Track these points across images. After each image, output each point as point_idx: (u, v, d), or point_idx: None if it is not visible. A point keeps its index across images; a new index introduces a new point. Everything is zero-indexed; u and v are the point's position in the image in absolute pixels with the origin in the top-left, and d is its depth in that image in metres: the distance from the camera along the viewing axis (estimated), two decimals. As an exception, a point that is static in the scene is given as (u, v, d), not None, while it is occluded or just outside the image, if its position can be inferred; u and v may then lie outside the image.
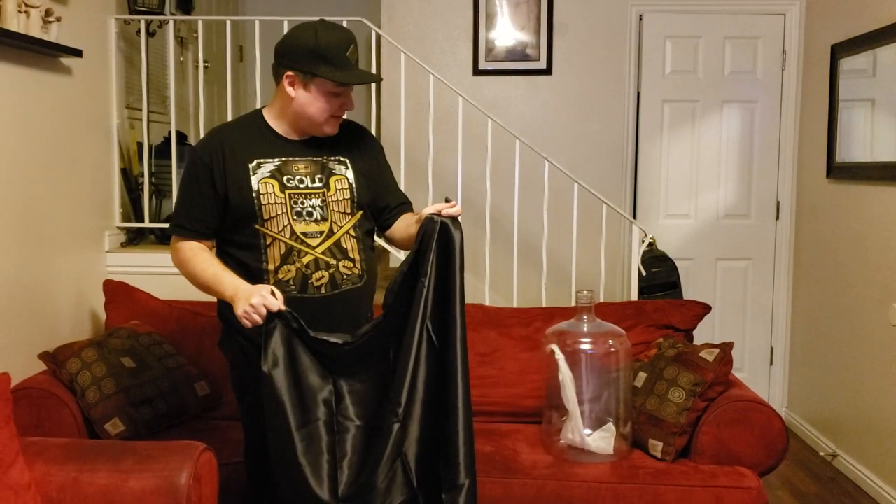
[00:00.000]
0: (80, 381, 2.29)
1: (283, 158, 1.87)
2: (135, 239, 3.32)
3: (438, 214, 1.80)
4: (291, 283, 1.83)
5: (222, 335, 1.97)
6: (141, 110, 3.27)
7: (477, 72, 3.93)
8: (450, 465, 1.72)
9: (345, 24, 3.09)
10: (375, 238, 2.15)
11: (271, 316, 1.68)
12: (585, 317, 2.40)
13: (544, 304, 3.24)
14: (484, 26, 3.92)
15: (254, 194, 1.83)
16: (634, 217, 3.88)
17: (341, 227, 1.88)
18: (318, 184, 1.87)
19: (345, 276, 1.87)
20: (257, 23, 3.23)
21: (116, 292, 2.76)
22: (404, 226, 1.98)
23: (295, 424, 1.69)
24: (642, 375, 2.42)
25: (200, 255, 1.85)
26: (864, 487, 3.12)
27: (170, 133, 3.30)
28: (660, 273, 3.50)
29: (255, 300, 1.68)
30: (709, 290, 3.94)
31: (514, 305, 3.29)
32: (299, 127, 1.89)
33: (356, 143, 1.98)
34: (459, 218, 1.82)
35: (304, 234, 1.84)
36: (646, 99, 3.93)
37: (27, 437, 1.90)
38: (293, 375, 1.71)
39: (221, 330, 1.96)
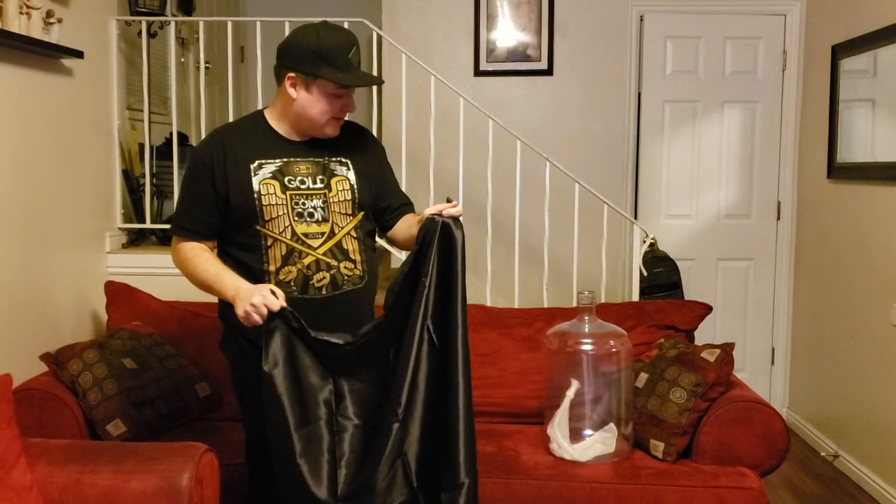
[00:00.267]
0: (81, 383, 2.29)
1: (285, 159, 1.87)
2: (136, 240, 3.32)
3: (440, 215, 1.80)
4: (292, 283, 1.83)
5: (223, 336, 1.97)
6: (142, 111, 3.28)
7: (478, 72, 3.93)
8: (450, 465, 1.72)
9: (346, 25, 3.10)
10: (377, 239, 2.15)
11: (272, 315, 1.69)
12: (587, 317, 2.40)
13: (545, 305, 3.24)
14: (485, 27, 3.92)
15: (255, 195, 1.83)
16: (635, 217, 3.88)
17: (342, 228, 1.88)
18: (319, 185, 1.87)
19: (346, 277, 1.87)
20: (258, 24, 3.23)
21: (118, 293, 2.77)
22: (406, 226, 1.97)
23: (294, 424, 1.69)
24: (643, 376, 2.42)
25: (201, 255, 1.85)
26: (865, 488, 3.12)
27: (171, 134, 3.30)
28: (661, 273, 3.50)
29: (256, 299, 1.68)
30: (710, 291, 3.94)
31: (516, 306, 3.29)
32: (300, 128, 1.89)
33: (357, 144, 1.98)
34: (461, 218, 1.82)
35: (306, 235, 1.84)
36: (646, 99, 3.93)
37: (29, 438, 1.90)
38: (293, 375, 1.71)
39: (222, 331, 1.97)
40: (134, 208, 3.30)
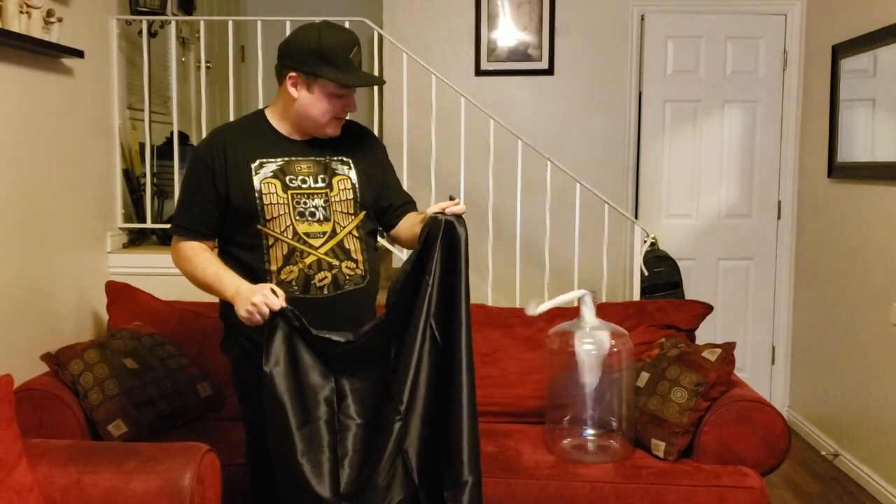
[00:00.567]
0: (82, 383, 2.29)
1: (286, 158, 1.87)
2: (137, 240, 3.32)
3: (443, 213, 1.80)
4: (294, 283, 1.83)
5: (224, 336, 1.97)
6: (143, 111, 3.27)
7: (479, 72, 3.93)
8: (452, 463, 1.72)
9: (347, 24, 3.09)
10: (378, 239, 2.15)
11: (273, 315, 1.68)
12: (588, 317, 2.39)
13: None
14: (486, 26, 3.92)
15: (256, 194, 1.83)
16: (636, 217, 3.88)
17: (344, 227, 1.88)
18: (320, 184, 1.87)
19: (347, 277, 1.87)
20: (259, 23, 3.23)
21: (118, 293, 2.76)
22: (409, 225, 1.97)
23: (296, 423, 1.69)
24: (645, 375, 2.42)
25: (201, 254, 1.85)
26: (865, 487, 3.12)
27: (172, 133, 3.30)
28: (661, 273, 3.50)
29: (257, 299, 1.68)
30: (710, 290, 3.94)
31: (517, 305, 3.28)
32: (302, 127, 1.89)
33: (359, 143, 1.98)
34: (463, 216, 1.82)
35: (307, 234, 1.84)
36: (647, 99, 3.92)
37: (30, 438, 1.90)
38: (295, 374, 1.71)
39: (223, 331, 1.97)
40: (135, 208, 3.30)
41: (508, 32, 3.92)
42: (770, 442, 2.22)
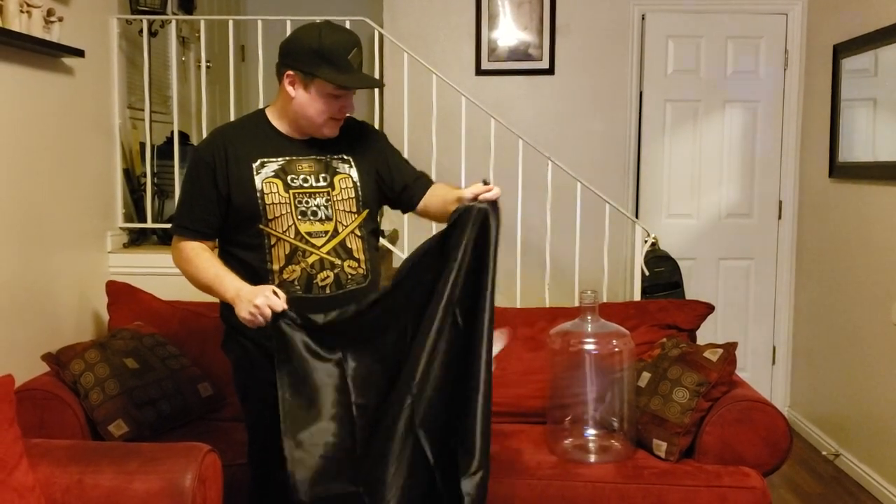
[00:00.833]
0: (83, 383, 2.29)
1: (287, 158, 1.87)
2: (137, 239, 3.31)
3: (476, 199, 1.78)
4: (296, 283, 1.83)
5: (225, 337, 1.96)
6: (143, 110, 3.27)
7: (479, 72, 3.93)
8: (466, 450, 1.71)
9: (347, 24, 3.09)
10: (381, 240, 2.14)
11: (276, 316, 1.68)
12: (589, 317, 2.39)
13: (547, 305, 3.24)
14: (486, 26, 3.91)
15: (258, 194, 1.82)
16: (637, 216, 3.88)
17: (346, 226, 1.88)
18: (322, 183, 1.87)
19: (349, 276, 1.87)
20: (259, 22, 3.23)
21: (119, 293, 2.76)
22: (441, 202, 1.92)
23: (306, 421, 1.68)
24: (646, 375, 2.42)
25: (202, 255, 1.84)
26: (867, 487, 3.12)
27: (172, 133, 3.29)
28: (662, 273, 3.50)
29: (259, 301, 1.67)
30: (711, 290, 3.94)
31: (518, 305, 3.28)
32: (299, 126, 1.89)
33: (359, 140, 1.97)
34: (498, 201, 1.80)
35: (309, 233, 1.84)
36: (648, 98, 3.92)
37: (30, 438, 1.89)
38: (302, 373, 1.70)
39: (224, 331, 1.96)
40: (135, 208, 3.30)
41: (509, 32, 3.92)
42: (772, 442, 2.22)
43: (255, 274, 1.82)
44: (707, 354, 2.34)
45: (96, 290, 2.88)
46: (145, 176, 3.26)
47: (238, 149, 1.86)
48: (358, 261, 1.88)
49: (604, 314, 2.46)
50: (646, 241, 3.37)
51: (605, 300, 3.22)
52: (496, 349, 1.89)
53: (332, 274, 1.85)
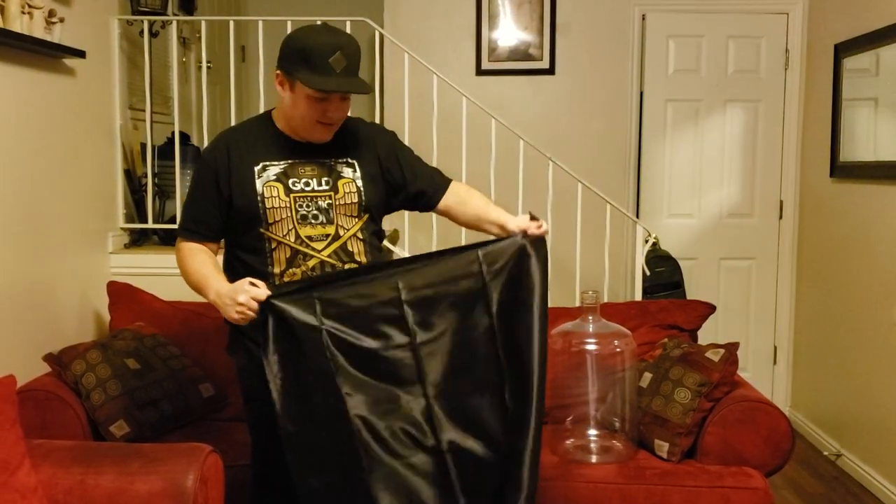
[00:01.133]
0: (84, 383, 2.29)
1: (290, 161, 1.86)
2: (138, 240, 3.31)
3: (524, 233, 1.80)
4: None
5: (230, 339, 1.96)
6: (144, 111, 3.27)
7: (480, 72, 3.93)
8: (512, 485, 1.71)
9: (348, 24, 3.10)
10: (385, 242, 2.14)
11: (263, 305, 1.67)
12: (591, 317, 2.39)
13: (549, 305, 3.23)
14: (486, 26, 3.91)
15: (258, 198, 1.82)
16: (637, 216, 3.87)
17: (348, 230, 1.87)
18: (325, 187, 1.86)
19: None
20: (260, 23, 3.23)
21: (120, 294, 2.76)
22: (475, 218, 1.93)
23: (303, 410, 1.68)
24: (648, 376, 2.42)
25: (197, 256, 1.85)
26: (868, 487, 3.12)
27: (173, 134, 3.29)
28: (663, 273, 3.49)
29: (242, 298, 1.66)
30: (712, 290, 3.94)
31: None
32: (295, 129, 1.87)
33: (366, 144, 1.95)
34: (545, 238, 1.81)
35: (310, 237, 1.83)
36: (649, 98, 3.92)
37: (32, 439, 1.89)
38: (295, 361, 1.70)
39: (228, 334, 1.96)
40: (136, 208, 3.30)
41: (509, 32, 3.92)
42: (774, 442, 2.22)
43: (256, 276, 1.80)
44: (709, 355, 2.34)
45: (97, 291, 2.88)
46: (146, 176, 3.26)
47: (241, 151, 1.86)
48: (359, 264, 1.88)
49: (605, 314, 2.46)
50: (647, 241, 3.37)
51: (606, 300, 3.22)
52: None
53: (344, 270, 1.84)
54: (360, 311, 1.73)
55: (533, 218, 1.82)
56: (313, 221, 1.84)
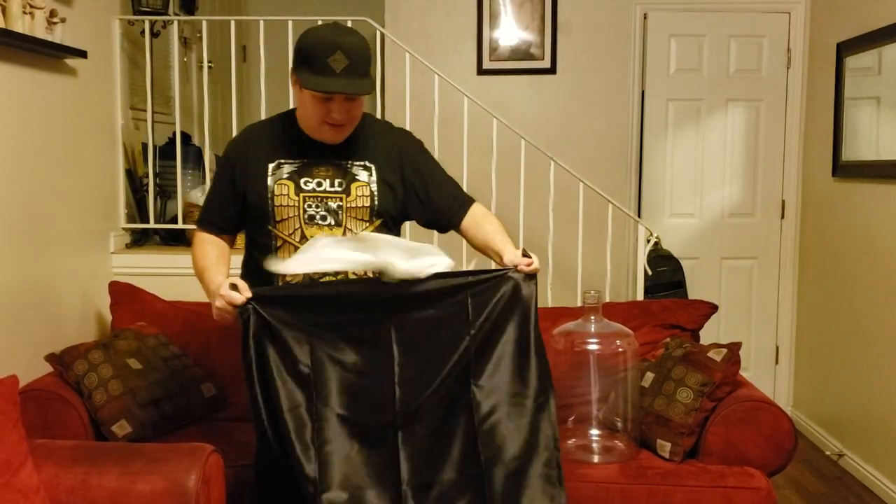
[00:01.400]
0: (86, 383, 2.29)
1: (306, 160, 1.85)
2: (140, 240, 3.31)
3: (515, 268, 1.80)
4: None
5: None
6: (145, 111, 3.27)
7: (481, 71, 3.92)
8: None
9: (349, 23, 3.09)
10: None
11: (242, 308, 1.68)
12: (593, 317, 2.38)
13: (550, 305, 3.23)
14: (488, 26, 3.91)
15: (268, 195, 1.83)
16: (639, 216, 3.87)
17: (356, 234, 1.85)
18: (337, 188, 1.84)
19: None
20: (261, 23, 3.22)
21: (122, 294, 2.76)
22: (483, 243, 1.91)
23: (280, 409, 1.68)
24: (650, 375, 2.41)
25: (204, 246, 1.89)
26: (871, 487, 3.12)
27: (174, 133, 3.29)
28: (664, 272, 3.49)
29: (218, 303, 1.68)
30: (714, 289, 3.93)
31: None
32: (307, 129, 1.87)
33: (389, 149, 1.91)
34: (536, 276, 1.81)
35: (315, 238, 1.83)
36: (650, 97, 3.92)
37: (34, 438, 1.89)
38: (273, 363, 1.70)
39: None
40: (137, 208, 3.30)
41: (510, 31, 3.92)
42: (776, 442, 2.21)
43: (264, 274, 1.83)
44: (711, 354, 2.33)
45: (99, 291, 2.88)
46: (147, 176, 3.26)
47: (260, 148, 1.87)
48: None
49: (607, 314, 2.46)
50: (648, 241, 3.37)
51: (607, 300, 3.22)
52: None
53: (334, 280, 1.84)
54: (343, 323, 1.73)
55: (525, 254, 1.81)
56: (321, 222, 1.83)
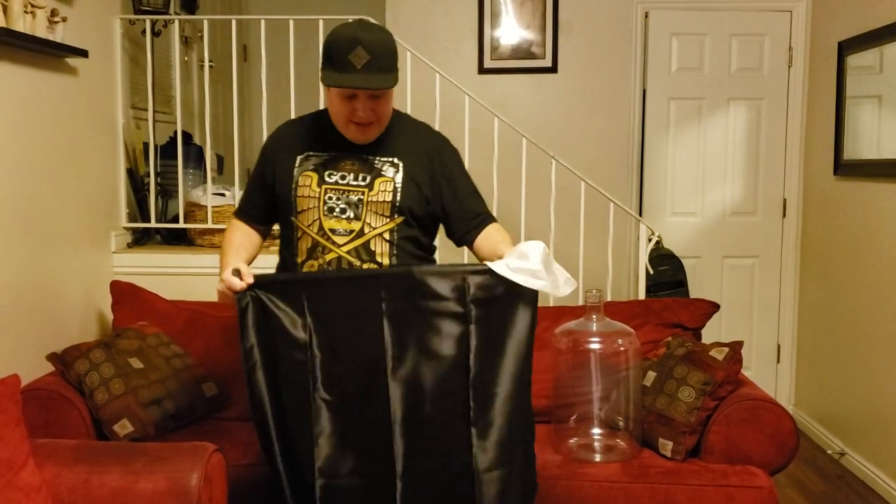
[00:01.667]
0: (88, 382, 2.29)
1: (333, 153, 1.86)
2: (141, 239, 3.31)
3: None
4: None
5: None
6: (146, 110, 3.27)
7: (482, 70, 3.92)
8: None
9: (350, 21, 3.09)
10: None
11: (242, 294, 1.70)
12: (594, 316, 2.38)
13: (551, 304, 3.23)
14: (489, 25, 3.91)
15: (293, 185, 1.85)
16: (640, 215, 3.87)
17: (374, 228, 1.83)
18: (361, 182, 1.83)
19: None
20: (262, 22, 3.22)
21: (123, 293, 2.76)
22: (490, 254, 1.84)
23: (279, 396, 1.70)
24: (651, 374, 2.41)
25: (231, 233, 1.95)
26: (872, 486, 3.11)
27: (175, 133, 3.29)
28: (666, 271, 3.49)
29: (219, 286, 1.73)
30: (715, 288, 3.93)
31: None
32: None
33: (422, 149, 1.89)
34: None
35: (332, 230, 1.82)
36: (652, 96, 3.91)
37: (36, 438, 1.89)
38: (272, 349, 1.71)
39: None
40: (138, 207, 3.30)
41: (511, 30, 3.91)
42: (778, 441, 2.21)
43: (286, 265, 1.89)
44: (713, 353, 2.33)
45: (100, 290, 2.88)
46: (149, 175, 3.26)
47: (292, 141, 1.91)
48: (380, 265, 1.84)
49: (609, 313, 2.45)
50: (650, 240, 3.36)
51: (609, 299, 3.22)
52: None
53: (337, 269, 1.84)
54: (341, 313, 1.72)
55: None
56: (339, 215, 1.82)
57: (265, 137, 3.20)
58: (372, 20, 2.10)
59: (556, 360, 2.45)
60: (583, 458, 2.29)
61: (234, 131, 3.30)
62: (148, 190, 3.26)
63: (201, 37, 3.90)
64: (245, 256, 1.88)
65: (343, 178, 1.84)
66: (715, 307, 2.71)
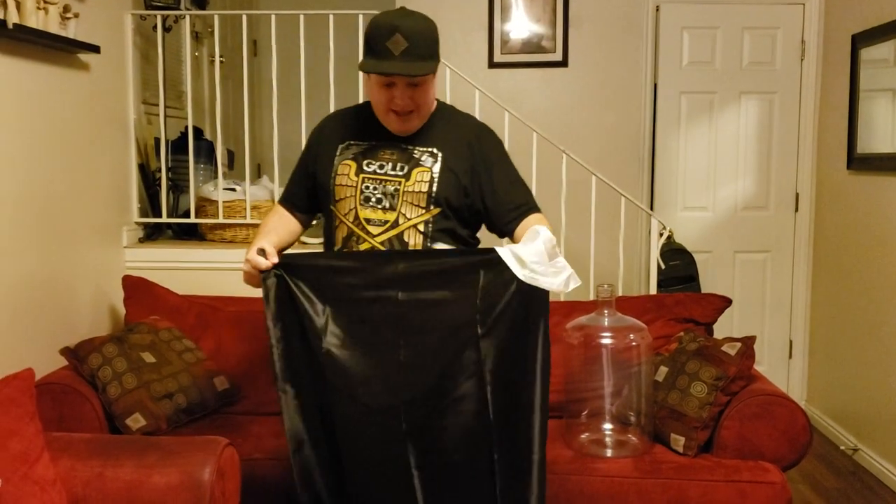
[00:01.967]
0: (101, 377, 2.30)
1: (373, 143, 1.85)
2: (152, 234, 3.33)
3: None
4: None
5: None
6: (157, 105, 3.28)
7: (492, 64, 3.91)
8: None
9: (360, 16, 3.10)
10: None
11: (266, 273, 1.71)
12: (606, 311, 2.37)
13: (563, 298, 3.22)
14: (499, 18, 3.89)
15: (332, 174, 1.85)
16: (652, 209, 3.85)
17: (409, 219, 1.81)
18: (398, 172, 1.81)
19: None
20: (273, 17, 3.22)
21: (135, 288, 2.77)
22: (519, 237, 1.79)
23: (294, 372, 1.71)
24: (663, 369, 2.40)
25: (270, 218, 1.98)
26: (885, 482, 3.09)
27: (186, 128, 3.30)
28: (677, 266, 3.47)
29: (244, 266, 1.74)
30: (727, 283, 3.91)
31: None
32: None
33: (464, 140, 1.86)
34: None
35: (368, 220, 1.81)
36: (663, 90, 3.89)
37: (50, 432, 1.90)
38: (294, 327, 1.72)
39: None
40: (150, 202, 3.31)
41: (522, 24, 3.90)
42: (791, 437, 2.20)
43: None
44: (725, 348, 2.32)
45: (113, 285, 2.89)
46: (160, 171, 3.27)
47: (334, 130, 1.92)
48: None
49: (620, 308, 2.45)
50: (661, 235, 3.35)
51: (620, 294, 3.20)
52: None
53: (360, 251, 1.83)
54: (360, 299, 1.72)
55: None
56: (375, 205, 1.81)
57: (276, 132, 3.25)
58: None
59: (568, 354, 2.45)
60: (594, 454, 2.29)
61: (245, 126, 3.31)
62: (159, 185, 3.27)
63: (212, 32, 3.90)
64: (276, 240, 1.84)
65: (381, 167, 1.82)
66: (727, 302, 2.70)
